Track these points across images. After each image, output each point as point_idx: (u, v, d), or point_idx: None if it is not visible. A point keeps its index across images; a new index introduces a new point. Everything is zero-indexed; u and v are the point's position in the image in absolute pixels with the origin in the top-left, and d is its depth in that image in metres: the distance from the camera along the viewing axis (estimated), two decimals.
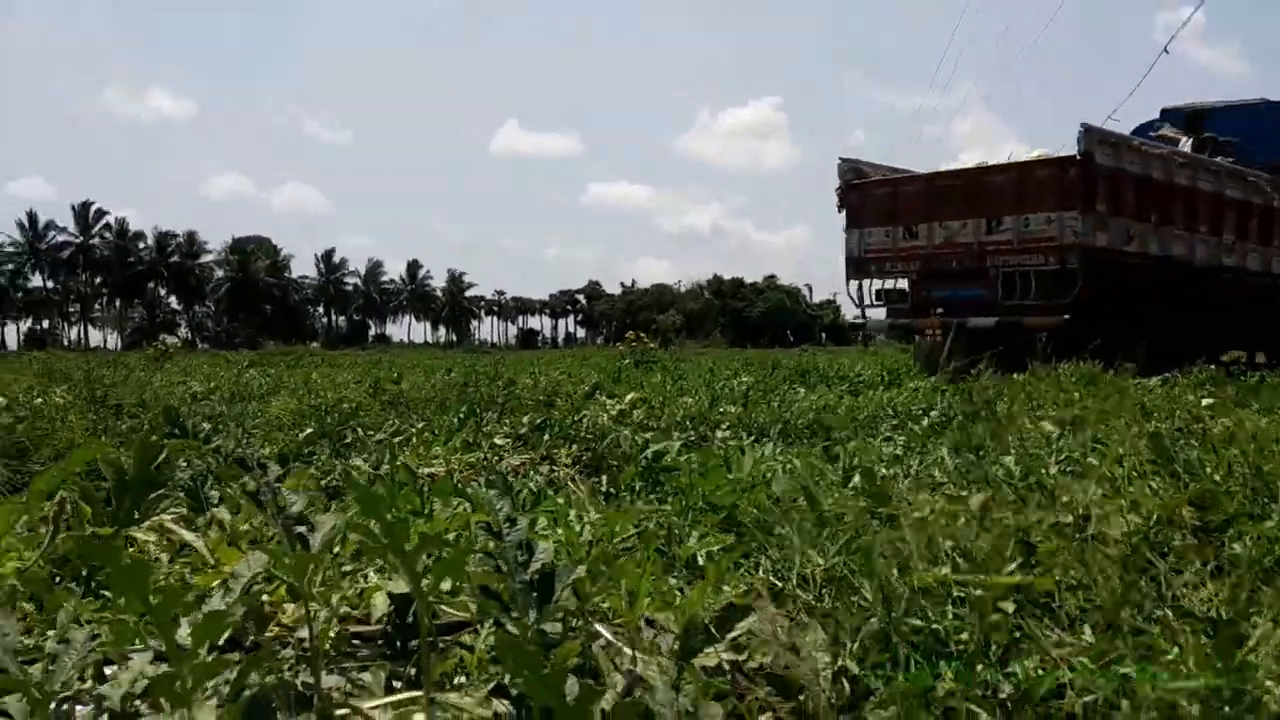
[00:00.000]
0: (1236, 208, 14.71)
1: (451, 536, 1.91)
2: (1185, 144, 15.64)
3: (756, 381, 9.56)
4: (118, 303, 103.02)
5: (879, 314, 15.15)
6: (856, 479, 3.02)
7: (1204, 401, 6.18)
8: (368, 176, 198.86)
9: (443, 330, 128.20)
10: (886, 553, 2.30)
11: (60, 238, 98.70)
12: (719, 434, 5.63)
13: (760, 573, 2.31)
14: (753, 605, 1.62)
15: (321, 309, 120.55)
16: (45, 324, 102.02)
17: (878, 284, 14.80)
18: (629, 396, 6.61)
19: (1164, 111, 18.10)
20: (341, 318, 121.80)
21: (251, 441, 4.52)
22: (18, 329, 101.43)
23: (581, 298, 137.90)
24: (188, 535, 1.86)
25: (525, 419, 5.88)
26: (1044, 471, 3.37)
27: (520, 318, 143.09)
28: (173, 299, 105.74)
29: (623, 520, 2.07)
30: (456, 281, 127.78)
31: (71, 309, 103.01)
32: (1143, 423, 4.57)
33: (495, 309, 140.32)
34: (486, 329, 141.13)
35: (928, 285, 13.81)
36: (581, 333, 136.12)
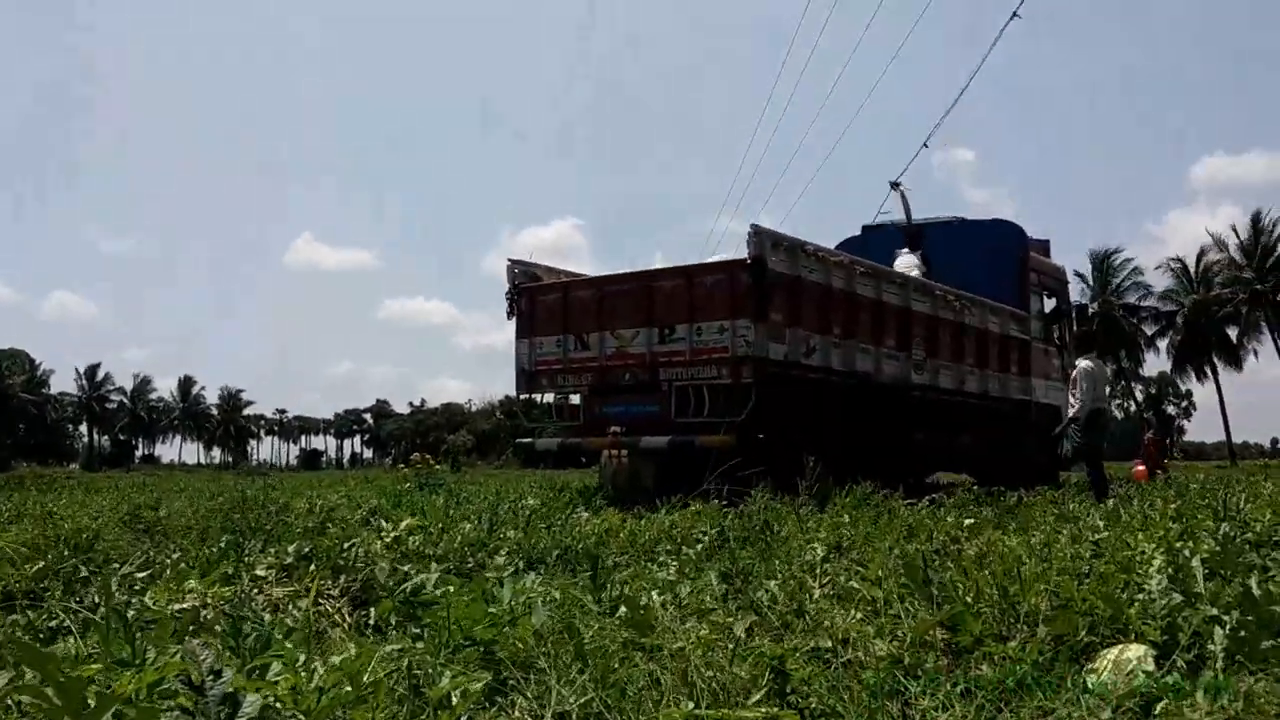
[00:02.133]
0: (925, 323, 13.97)
1: (155, 690, 1.74)
2: (911, 258, 15.60)
3: (541, 504, 9.43)
4: None
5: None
6: (622, 609, 2.98)
7: (966, 522, 6.50)
8: (147, 287, 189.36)
9: (217, 451, 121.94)
10: (643, 686, 2.25)
11: None
12: (497, 560, 5.50)
13: (515, 712, 2.21)
14: None
15: (84, 428, 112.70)
16: None
17: (551, 399, 13.60)
18: (404, 523, 6.38)
19: (865, 228, 18.05)
20: (105, 437, 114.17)
21: None
22: None
23: (368, 417, 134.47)
24: None
25: (291, 548, 5.58)
26: (807, 597, 3.43)
27: (303, 437, 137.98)
28: None
29: (360, 664, 1.94)
30: (233, 399, 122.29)
31: None
32: (904, 545, 4.75)
33: (276, 428, 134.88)
34: (266, 449, 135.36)
35: (601, 400, 12.59)
36: (369, 453, 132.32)
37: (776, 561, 4.09)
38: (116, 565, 5.10)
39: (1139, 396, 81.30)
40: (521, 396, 13.58)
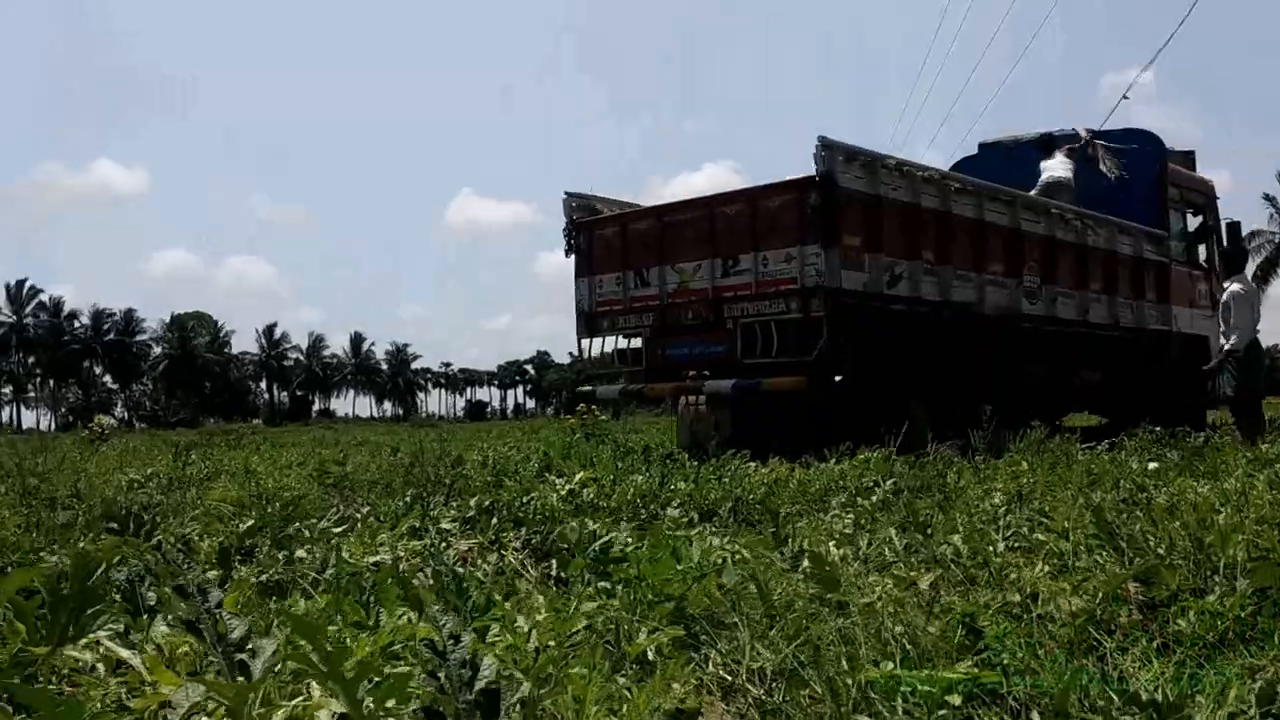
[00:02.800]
0: (1039, 245, 12.50)
1: (398, 649, 1.88)
2: (1060, 161, 14.26)
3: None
4: (51, 383, 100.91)
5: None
6: (805, 563, 3.02)
7: (1150, 467, 6.27)
8: (317, 250, 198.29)
9: (388, 404, 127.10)
10: (835, 643, 2.29)
11: None
12: (670, 512, 5.59)
13: (710, 668, 2.29)
14: (700, 708, 1.60)
15: (264, 384, 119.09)
16: None
17: (618, 342, 12.35)
18: (578, 476, 6.56)
19: (982, 146, 16.43)
20: (284, 393, 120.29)
21: (190, 539, 4.41)
22: None
23: (530, 368, 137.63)
24: (124, 653, 1.81)
25: (473, 501, 5.81)
26: (991, 550, 3.39)
27: (468, 389, 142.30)
28: (108, 378, 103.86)
29: (568, 625, 2.05)
30: (401, 354, 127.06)
31: (4, 390, 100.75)
32: (1088, 494, 4.63)
33: (442, 381, 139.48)
34: (434, 401, 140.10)
35: (664, 342, 11.50)
36: (531, 403, 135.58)
37: (956, 513, 4.05)
38: (314, 520, 5.41)
39: None
40: (582, 341, 12.37)
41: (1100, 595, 2.91)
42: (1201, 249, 16.08)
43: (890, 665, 1.98)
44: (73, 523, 4.94)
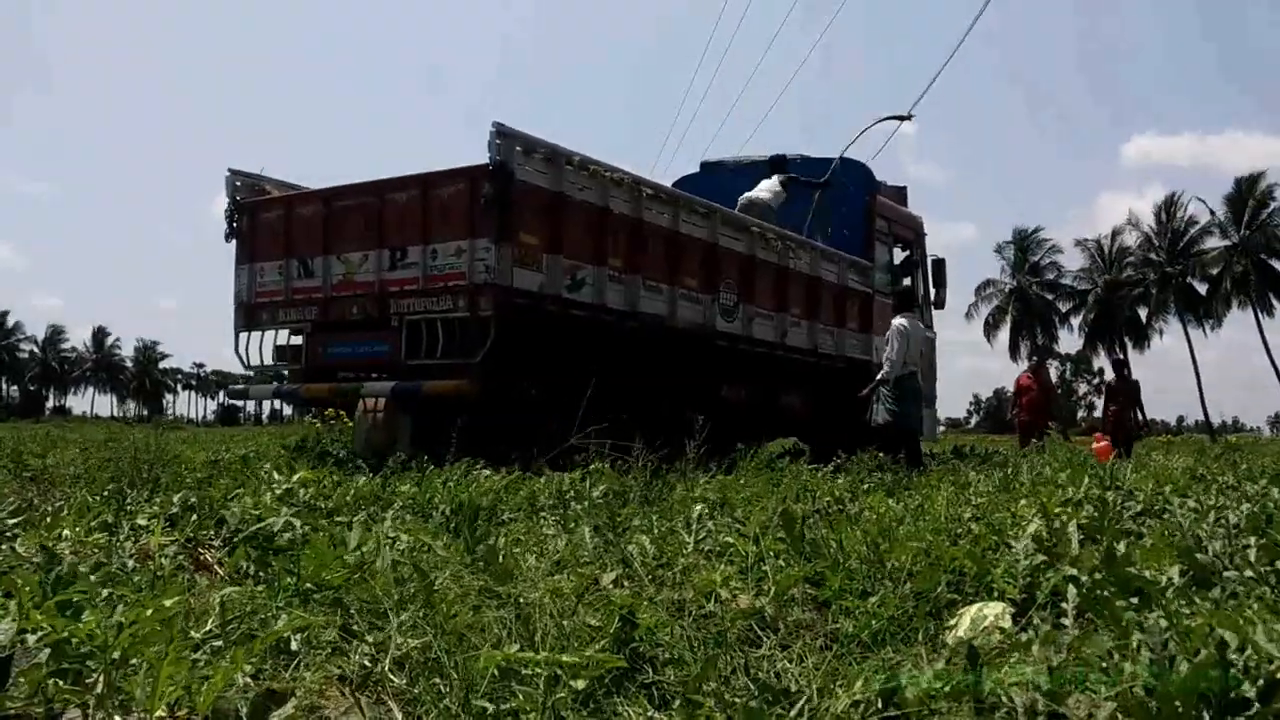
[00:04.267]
0: (739, 263, 12.01)
1: None
2: (772, 183, 14.04)
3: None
4: None
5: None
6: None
7: (863, 487, 6.58)
8: (67, 232, 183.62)
9: (132, 405, 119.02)
10: (487, 632, 2.23)
11: None
12: (388, 515, 5.41)
13: (355, 655, 2.18)
14: (293, 690, 1.49)
15: None
16: None
17: (276, 337, 11.26)
18: (297, 475, 6.27)
19: (704, 165, 16.10)
20: (15, 387, 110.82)
21: None
22: None
23: (286, 372, 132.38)
24: None
25: (177, 498, 5.46)
26: (680, 551, 3.43)
27: (220, 393, 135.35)
28: None
29: (186, 604, 1.89)
30: (148, 352, 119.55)
31: None
32: (790, 505, 4.79)
33: (193, 382, 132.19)
34: (183, 403, 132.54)
35: (326, 338, 10.58)
36: (290, 410, 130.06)
37: (654, 517, 4.09)
38: None
39: (1067, 373, 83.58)
40: (240, 335, 11.15)
41: (773, 594, 2.99)
42: (907, 281, 16.06)
43: (516, 647, 1.93)
44: None
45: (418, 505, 5.82)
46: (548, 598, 2.41)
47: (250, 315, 10.99)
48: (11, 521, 4.80)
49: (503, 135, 9.03)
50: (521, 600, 2.52)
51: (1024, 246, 70.03)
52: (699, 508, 4.17)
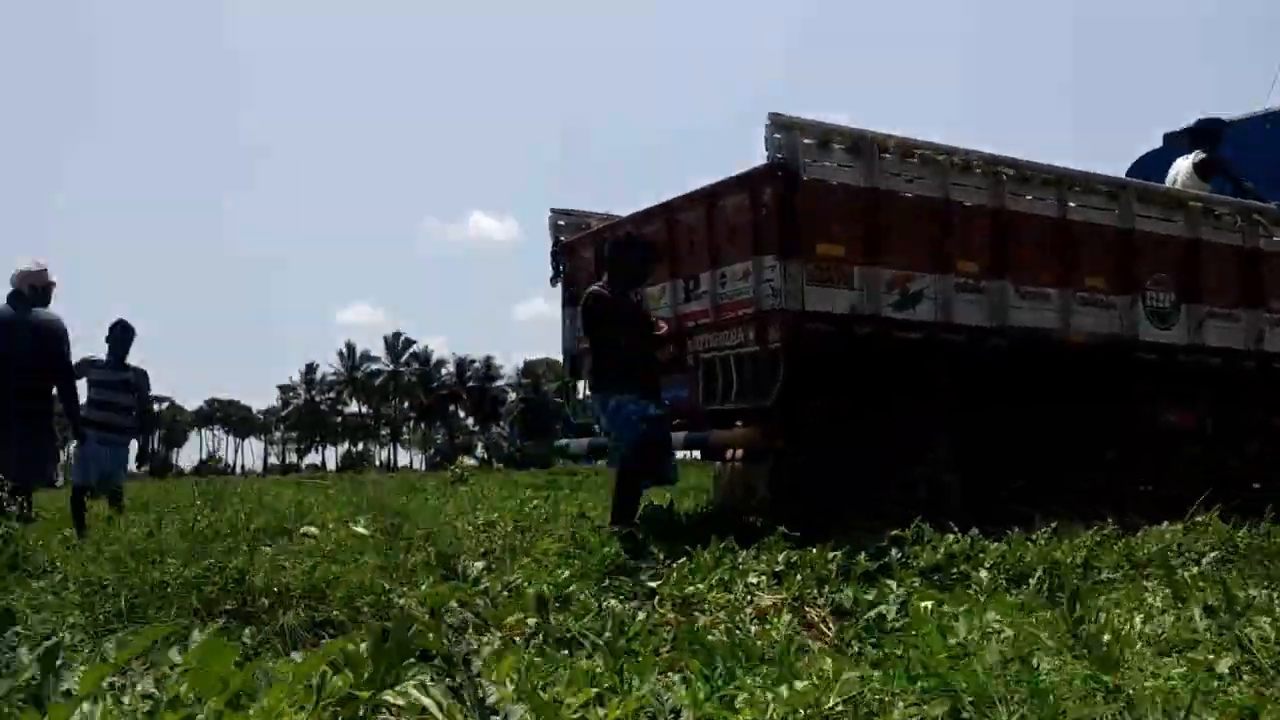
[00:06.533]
0: (1171, 249, 9.34)
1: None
2: (1184, 168, 10.74)
3: None
4: (422, 425, 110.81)
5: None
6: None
7: None
8: None
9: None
10: None
11: (374, 366, 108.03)
12: (979, 574, 5.40)
13: None
14: None
15: None
16: (360, 446, 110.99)
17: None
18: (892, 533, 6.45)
19: (1167, 137, 12.44)
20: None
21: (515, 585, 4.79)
22: (336, 451, 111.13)
23: None
24: (429, 703, 2.11)
25: (781, 556, 5.88)
26: None
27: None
28: (470, 420, 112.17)
29: (820, 692, 2.14)
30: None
31: (383, 432, 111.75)
32: None
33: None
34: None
35: None
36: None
37: (1274, 593, 3.71)
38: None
39: None
40: (569, 384, 10.20)
41: None
42: None
43: None
44: (420, 566, 5.52)
45: (1008, 564, 5.73)
46: (1160, 695, 2.35)
47: (576, 362, 9.85)
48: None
49: (783, 126, 7.53)
50: (1131, 693, 2.48)
51: None
52: None
